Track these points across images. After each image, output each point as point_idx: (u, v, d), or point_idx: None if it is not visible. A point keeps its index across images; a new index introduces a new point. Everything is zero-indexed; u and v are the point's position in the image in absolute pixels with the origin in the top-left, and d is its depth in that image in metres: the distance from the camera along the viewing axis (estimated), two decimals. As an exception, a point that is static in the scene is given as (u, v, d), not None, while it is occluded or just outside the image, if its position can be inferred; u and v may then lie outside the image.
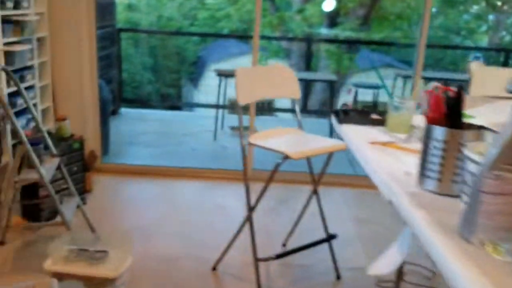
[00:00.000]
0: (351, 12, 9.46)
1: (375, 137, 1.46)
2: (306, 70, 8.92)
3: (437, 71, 7.91)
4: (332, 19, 9.79)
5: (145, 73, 8.27)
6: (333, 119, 1.63)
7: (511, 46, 8.23)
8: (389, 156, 1.30)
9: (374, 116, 1.63)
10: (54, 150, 2.56)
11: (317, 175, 2.51)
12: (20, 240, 2.67)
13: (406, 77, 5.59)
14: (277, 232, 2.89)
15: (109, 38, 5.21)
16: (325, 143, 2.30)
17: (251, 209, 2.31)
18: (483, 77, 2.86)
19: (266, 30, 8.71)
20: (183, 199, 3.34)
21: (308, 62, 9.23)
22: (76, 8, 3.35)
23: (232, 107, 6.01)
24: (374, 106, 5.48)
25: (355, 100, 5.38)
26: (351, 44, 9.64)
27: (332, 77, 5.44)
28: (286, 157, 2.14)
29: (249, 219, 2.31)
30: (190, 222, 2.99)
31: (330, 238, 2.44)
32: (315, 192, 2.52)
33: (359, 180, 3.75)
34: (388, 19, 9.72)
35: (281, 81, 2.57)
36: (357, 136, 1.45)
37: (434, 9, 9.57)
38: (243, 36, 9.67)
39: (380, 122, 1.58)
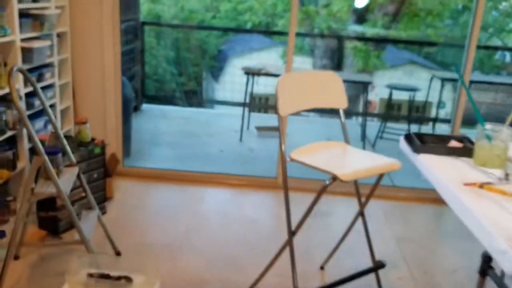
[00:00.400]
0: (379, 8, 9.10)
1: (464, 174, 1.19)
2: (332, 67, 8.60)
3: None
4: (360, 15, 9.42)
5: (167, 68, 8.05)
6: (405, 146, 1.36)
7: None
8: (491, 203, 1.03)
9: (454, 144, 1.36)
10: (73, 159, 2.33)
11: (361, 185, 2.25)
12: (36, 253, 2.46)
13: (444, 80, 5.25)
14: (312, 250, 2.63)
15: (132, 32, 4.98)
16: (378, 162, 2.02)
17: (292, 233, 2.05)
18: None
19: (287, 24, 8.41)
20: (210, 209, 3.10)
21: (333, 59, 8.91)
22: (100, 1, 3.11)
23: (257, 105, 5.75)
24: (410, 107, 5.16)
25: (390, 101, 5.08)
26: (375, 42, 9.27)
27: (366, 77, 5.13)
28: (334, 178, 1.88)
29: (289, 244, 2.06)
30: (219, 237, 2.75)
31: (378, 267, 2.17)
32: (361, 214, 2.25)
33: (397, 192, 3.47)
34: (418, 15, 9.33)
35: (326, 89, 2.29)
36: (442, 172, 1.18)
37: (460, 6, 9.16)
38: (268, 32, 9.39)
39: (463, 152, 1.31)
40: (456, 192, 1.06)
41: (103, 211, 2.89)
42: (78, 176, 2.35)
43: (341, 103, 2.28)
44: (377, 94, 8.55)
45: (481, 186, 1.10)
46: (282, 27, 9.00)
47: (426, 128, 5.71)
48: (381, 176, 2.10)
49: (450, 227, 3.07)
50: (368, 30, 9.24)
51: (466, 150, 1.30)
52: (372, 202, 3.21)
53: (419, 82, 6.80)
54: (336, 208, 3.18)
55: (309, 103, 2.25)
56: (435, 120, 5.72)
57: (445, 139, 1.39)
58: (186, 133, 4.91)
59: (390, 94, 4.99)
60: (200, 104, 7.48)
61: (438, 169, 1.19)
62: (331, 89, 2.30)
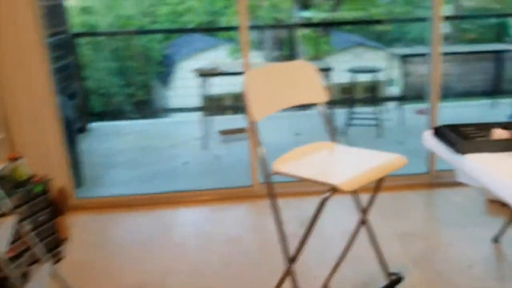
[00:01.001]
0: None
1: None
2: (284, 58, 8.30)
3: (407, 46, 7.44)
4: (303, 1, 9.21)
5: (112, 80, 7.52)
6: (437, 144, 1.04)
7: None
8: None
9: (500, 133, 1.04)
10: (7, 205, 1.89)
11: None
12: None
13: (405, 56, 5.04)
14: (311, 267, 2.29)
15: (64, 46, 4.48)
16: (380, 160, 1.70)
17: (291, 260, 1.71)
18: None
19: (233, 20, 8.11)
20: (186, 234, 2.71)
21: (283, 49, 8.65)
22: (14, 13, 2.63)
23: (215, 107, 5.36)
24: (374, 89, 4.93)
25: (354, 85, 4.82)
26: (326, 26, 9.09)
27: (325, 64, 4.84)
28: (333, 190, 1.54)
29: (290, 273, 1.71)
30: (202, 266, 2.36)
31: (395, 282, 1.86)
32: (363, 222, 1.93)
33: (387, 181, 3.19)
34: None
35: (301, 82, 1.96)
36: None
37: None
38: (218, 29, 9.03)
39: None
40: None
41: (59, 257, 2.46)
42: (18, 225, 1.92)
43: (321, 95, 1.95)
44: (330, 80, 8.35)
45: None
46: (226, 24, 8.66)
47: (385, 109, 5.47)
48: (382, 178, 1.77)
49: (450, 213, 2.81)
50: (315, 15, 9.03)
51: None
52: (361, 196, 2.90)
53: (369, 63, 6.58)
54: (326, 210, 2.85)
55: (285, 101, 1.91)
56: (401, 98, 5.52)
57: (485, 128, 1.08)
58: (144, 148, 4.46)
59: (352, 78, 4.71)
60: (153, 114, 7.01)
61: (499, 175, 0.87)
62: (307, 81, 1.97)
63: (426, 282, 2.13)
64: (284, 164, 1.75)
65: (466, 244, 2.43)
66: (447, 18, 7.88)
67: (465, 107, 5.50)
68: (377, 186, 1.82)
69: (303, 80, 1.96)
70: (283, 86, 1.90)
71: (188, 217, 2.93)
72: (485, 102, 5.52)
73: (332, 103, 5.06)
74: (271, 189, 1.71)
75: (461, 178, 2.81)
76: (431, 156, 3.16)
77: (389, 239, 2.51)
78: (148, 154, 4.28)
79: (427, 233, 2.61)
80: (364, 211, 1.91)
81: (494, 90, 5.70)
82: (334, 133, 1.97)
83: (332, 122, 1.99)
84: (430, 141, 1.11)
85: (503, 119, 4.81)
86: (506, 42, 5.60)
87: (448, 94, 5.29)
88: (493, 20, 6.66)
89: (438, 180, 3.17)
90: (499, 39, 5.81)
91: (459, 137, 1.01)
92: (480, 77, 5.85)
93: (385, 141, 4.37)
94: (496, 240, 2.40)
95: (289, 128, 4.78)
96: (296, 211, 2.84)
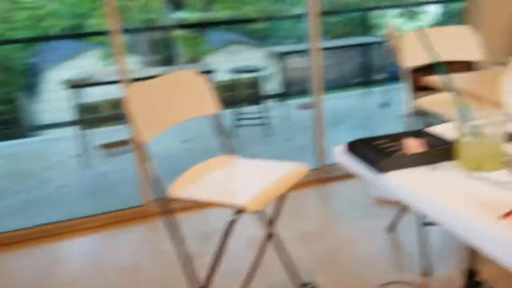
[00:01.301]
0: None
1: (471, 191, 0.85)
2: (160, 61, 8.05)
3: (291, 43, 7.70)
4: (175, 1, 9.02)
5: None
6: (352, 161, 0.97)
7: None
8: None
9: (413, 145, 1.00)
10: None
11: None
12: None
13: (284, 54, 5.13)
14: (219, 285, 2.17)
15: None
16: (281, 171, 1.63)
17: (201, 291, 1.57)
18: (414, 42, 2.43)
19: (102, 22, 7.65)
20: (75, 269, 2.41)
21: (160, 52, 8.38)
22: None
23: (90, 119, 4.98)
24: (255, 87, 4.95)
25: (233, 86, 4.79)
26: (202, 26, 9.03)
27: (206, 66, 4.74)
28: (240, 212, 1.44)
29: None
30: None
31: (306, 292, 1.81)
32: (270, 236, 1.86)
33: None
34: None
35: (190, 95, 1.82)
36: (444, 196, 0.82)
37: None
38: (80, 34, 8.44)
39: (442, 157, 0.96)
40: (496, 232, 0.71)
41: None
42: None
43: (212, 107, 1.83)
44: (213, 82, 8.36)
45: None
46: (95, 27, 8.15)
47: (269, 107, 5.56)
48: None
49: (344, 207, 2.87)
50: (188, 16, 8.90)
51: (443, 153, 0.97)
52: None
53: (248, 61, 6.66)
54: (222, 221, 2.75)
55: (175, 117, 1.76)
56: (283, 95, 5.63)
57: (397, 138, 1.04)
58: (14, 174, 3.96)
59: (234, 79, 4.68)
60: (21, 133, 6.32)
61: (437, 193, 0.83)
62: (195, 93, 1.83)
63: (336, 283, 2.13)
64: (182, 187, 1.60)
65: (365, 237, 2.50)
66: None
67: (341, 99, 5.79)
68: (281, 199, 1.75)
69: (191, 92, 1.83)
70: (170, 101, 1.75)
71: (75, 249, 2.63)
72: (359, 92, 5.87)
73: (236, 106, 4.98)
74: (166, 208, 1.55)
75: (376, 193, 2.90)
76: (319, 151, 3.22)
77: (293, 243, 2.48)
78: (19, 180, 3.80)
79: (327, 231, 2.63)
80: (270, 224, 1.83)
81: (365, 81, 6.08)
82: (231, 145, 1.86)
83: (227, 133, 1.88)
84: (342, 158, 1.05)
85: (375, 107, 5.18)
86: (372, 35, 5.99)
87: (325, 87, 5.51)
88: (357, 14, 7.10)
89: (329, 174, 3.25)
90: (365, 32, 6.20)
91: (377, 154, 0.96)
92: (352, 69, 6.21)
93: (273, 139, 4.41)
94: (391, 229, 2.49)
95: (176, 135, 4.60)
96: (194, 226, 2.70)
